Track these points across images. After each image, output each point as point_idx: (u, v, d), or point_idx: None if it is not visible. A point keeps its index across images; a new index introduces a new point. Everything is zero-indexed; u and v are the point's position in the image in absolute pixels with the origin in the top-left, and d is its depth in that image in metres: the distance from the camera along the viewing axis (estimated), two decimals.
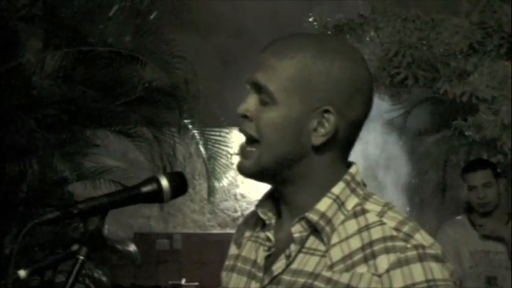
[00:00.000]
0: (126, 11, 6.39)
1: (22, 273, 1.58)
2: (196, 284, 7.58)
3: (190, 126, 6.64)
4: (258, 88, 1.59)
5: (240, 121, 1.61)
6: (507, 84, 4.72)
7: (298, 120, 1.56)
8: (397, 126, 8.78)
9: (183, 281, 7.94)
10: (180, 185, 1.66)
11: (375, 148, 9.62)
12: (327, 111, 1.56)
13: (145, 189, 1.63)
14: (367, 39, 5.25)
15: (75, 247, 1.59)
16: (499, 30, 4.89)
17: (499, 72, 4.76)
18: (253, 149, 1.59)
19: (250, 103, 1.59)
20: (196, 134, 6.89)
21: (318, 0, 5.80)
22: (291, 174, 1.60)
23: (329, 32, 5.24)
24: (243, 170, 1.61)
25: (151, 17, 6.47)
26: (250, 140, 1.60)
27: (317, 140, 1.57)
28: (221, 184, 8.20)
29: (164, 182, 1.64)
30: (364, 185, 1.65)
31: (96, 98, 6.17)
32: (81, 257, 1.57)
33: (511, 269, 4.42)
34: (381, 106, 8.07)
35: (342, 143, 1.60)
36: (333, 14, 5.36)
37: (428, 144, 8.52)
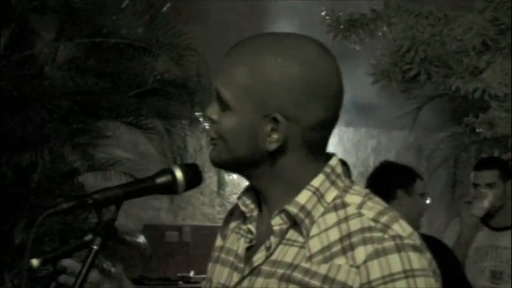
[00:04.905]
0: (139, 3, 6.39)
1: (35, 262, 1.59)
2: (205, 276, 7.58)
3: (201, 119, 6.64)
4: (218, 94, 1.62)
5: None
6: None
7: (251, 127, 1.58)
8: (408, 122, 8.77)
9: (192, 273, 7.95)
10: (194, 177, 1.67)
11: (386, 144, 9.62)
12: (276, 118, 1.57)
13: (160, 180, 1.64)
14: (380, 34, 5.23)
15: (88, 237, 1.60)
16: None
17: None
18: (218, 142, 1.63)
19: (214, 107, 1.63)
20: (207, 126, 6.89)
21: None
22: (256, 173, 1.63)
23: (341, 27, 5.23)
24: (211, 160, 1.66)
25: (164, 9, 6.48)
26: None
27: (270, 145, 1.59)
28: (231, 177, 8.21)
29: (179, 174, 1.65)
30: (349, 177, 1.68)
31: (108, 89, 6.18)
32: (95, 247, 1.58)
33: None
34: (392, 101, 8.06)
35: (304, 146, 1.60)
36: (346, 9, 5.35)
37: (439, 141, 8.51)
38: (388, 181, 3.96)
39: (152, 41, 6.36)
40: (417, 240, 1.55)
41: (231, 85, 1.58)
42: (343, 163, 4.91)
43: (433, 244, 3.76)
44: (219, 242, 1.79)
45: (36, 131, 5.89)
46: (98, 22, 6.25)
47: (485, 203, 4.48)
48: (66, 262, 1.66)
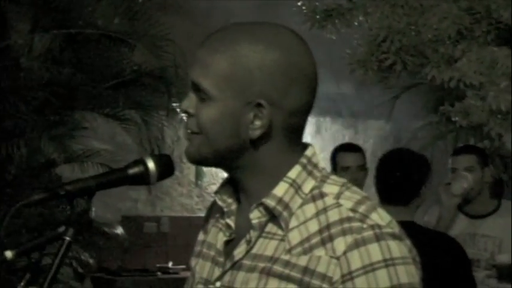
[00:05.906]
0: None
1: (9, 254, 1.59)
2: (183, 267, 7.59)
3: (178, 110, 6.63)
4: (195, 85, 1.61)
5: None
6: (495, 70, 4.73)
7: (234, 115, 1.57)
8: (385, 111, 8.80)
9: (170, 264, 7.95)
10: (166, 167, 1.67)
11: (363, 134, 9.65)
12: (259, 104, 1.56)
13: (132, 171, 1.64)
14: (356, 24, 5.24)
15: (61, 228, 1.60)
16: (488, 17, 4.90)
17: (487, 58, 4.77)
18: (196, 136, 1.61)
19: (191, 100, 1.62)
20: (184, 118, 6.89)
21: None
22: (236, 164, 1.62)
23: (317, 17, 5.23)
24: (188, 156, 1.64)
25: None
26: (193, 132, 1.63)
27: (254, 132, 1.58)
28: (209, 168, 8.21)
29: (151, 164, 1.64)
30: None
31: (84, 80, 6.17)
32: (68, 238, 1.57)
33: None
34: (369, 92, 8.09)
35: (285, 132, 1.60)
36: None
37: (416, 130, 8.55)
38: (414, 179, 3.67)
39: (129, 31, 6.35)
40: (396, 228, 1.55)
41: (210, 74, 1.58)
42: (359, 149, 4.89)
43: (444, 240, 3.72)
44: (201, 236, 1.78)
45: (12, 122, 5.87)
46: (74, 13, 6.22)
47: (465, 183, 4.50)
48: None
